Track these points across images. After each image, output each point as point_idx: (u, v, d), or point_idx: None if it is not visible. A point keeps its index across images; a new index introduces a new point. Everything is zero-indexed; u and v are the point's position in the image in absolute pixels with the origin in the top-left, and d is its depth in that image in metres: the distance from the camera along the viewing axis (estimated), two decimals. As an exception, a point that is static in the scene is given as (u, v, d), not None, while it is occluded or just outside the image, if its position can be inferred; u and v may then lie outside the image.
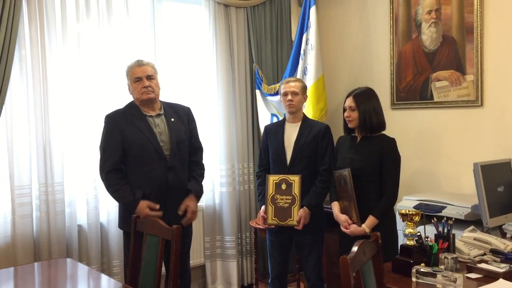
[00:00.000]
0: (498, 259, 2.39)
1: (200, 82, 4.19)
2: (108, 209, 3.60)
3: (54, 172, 3.35)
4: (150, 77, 3.02)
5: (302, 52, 4.08)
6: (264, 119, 4.22)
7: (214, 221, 4.17)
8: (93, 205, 3.52)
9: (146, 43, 3.85)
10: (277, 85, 4.17)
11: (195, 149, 3.21)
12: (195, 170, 3.18)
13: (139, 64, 3.05)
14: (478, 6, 3.53)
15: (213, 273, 4.20)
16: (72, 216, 3.46)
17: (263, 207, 3.19)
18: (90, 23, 3.53)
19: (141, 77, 3.00)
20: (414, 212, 2.39)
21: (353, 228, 2.84)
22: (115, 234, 3.59)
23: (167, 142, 3.02)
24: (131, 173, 2.99)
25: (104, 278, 2.55)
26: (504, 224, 2.90)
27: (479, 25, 3.53)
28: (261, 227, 3.78)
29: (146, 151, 2.95)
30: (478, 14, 3.53)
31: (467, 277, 2.22)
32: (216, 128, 4.13)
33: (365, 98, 2.92)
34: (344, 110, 2.98)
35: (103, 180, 3.01)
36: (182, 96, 3.94)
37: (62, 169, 3.40)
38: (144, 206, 2.90)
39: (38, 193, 3.32)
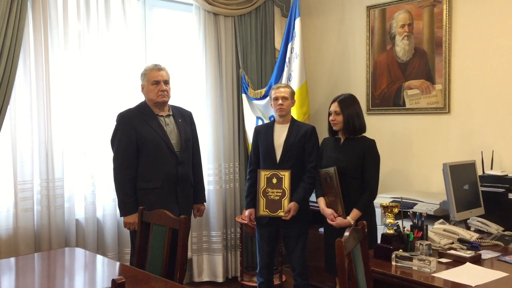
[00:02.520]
0: (465, 247, 2.70)
1: (189, 86, 4.40)
2: (104, 205, 3.80)
3: (55, 169, 3.52)
4: (166, 82, 3.28)
5: (287, 60, 4.36)
6: (250, 122, 4.48)
7: (201, 217, 4.37)
8: (90, 201, 3.71)
9: (137, 48, 4.03)
10: (263, 90, 4.44)
11: (197, 150, 3.51)
12: (200, 174, 3.54)
13: (158, 68, 3.29)
14: (447, 22, 3.88)
15: (200, 266, 4.41)
16: (71, 210, 3.64)
17: (248, 211, 3.47)
18: (90, 28, 3.72)
19: (159, 81, 3.25)
20: (393, 205, 2.70)
21: (339, 220, 3.13)
22: (111, 228, 3.79)
23: (177, 140, 3.29)
24: (144, 167, 3.21)
25: (111, 262, 2.78)
26: (469, 218, 3.21)
27: (447, 39, 3.89)
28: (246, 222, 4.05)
29: (158, 147, 3.20)
30: (447, 29, 3.89)
31: (439, 261, 2.53)
32: (204, 129, 4.34)
33: (349, 103, 3.22)
34: (330, 114, 3.26)
35: (116, 172, 3.22)
36: (172, 99, 4.15)
37: (62, 166, 3.57)
38: (136, 217, 3.07)
39: (40, 188, 3.48)
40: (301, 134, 3.39)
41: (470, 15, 3.79)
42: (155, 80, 3.25)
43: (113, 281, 1.57)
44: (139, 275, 2.41)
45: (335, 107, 3.23)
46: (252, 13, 4.61)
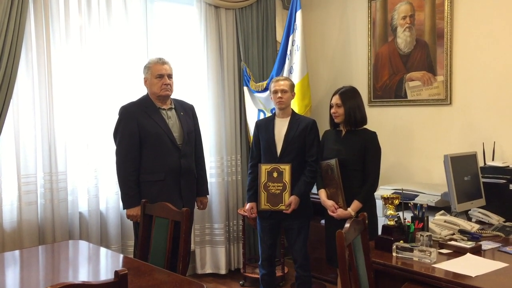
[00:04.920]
0: (466, 238, 2.71)
1: (191, 79, 4.40)
2: (107, 198, 3.82)
3: (58, 162, 3.54)
4: (170, 76, 3.31)
5: (288, 52, 4.36)
6: (252, 115, 4.49)
7: (204, 210, 4.40)
8: (93, 194, 3.73)
9: (139, 41, 4.03)
10: (264, 82, 4.45)
11: (199, 143, 3.54)
12: (202, 167, 3.58)
13: (162, 62, 3.31)
14: (449, 14, 3.88)
15: (203, 258, 4.44)
16: (74, 203, 3.66)
17: (249, 204, 3.49)
18: (91, 21, 3.73)
19: (163, 74, 3.27)
20: (394, 196, 2.72)
21: (340, 212, 3.15)
22: (114, 221, 3.82)
23: (179, 133, 3.32)
24: (147, 160, 3.24)
25: (115, 254, 2.81)
26: (470, 209, 3.23)
27: (449, 31, 3.89)
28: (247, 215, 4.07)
29: (161, 140, 3.23)
30: (448, 21, 3.88)
31: (439, 252, 2.55)
32: (206, 122, 4.35)
33: (350, 95, 3.23)
34: (331, 106, 3.27)
35: (119, 165, 3.25)
36: (174, 92, 4.15)
37: (65, 159, 3.60)
38: (139, 210, 3.04)
39: (43, 182, 3.51)
40: (301, 128, 3.40)
41: (471, 6, 3.79)
42: (159, 74, 3.27)
43: (116, 272, 1.59)
44: (142, 267, 2.43)
45: (336, 99, 3.23)
46: (253, 6, 4.61)
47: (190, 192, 3.40)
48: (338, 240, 2.03)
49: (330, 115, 3.30)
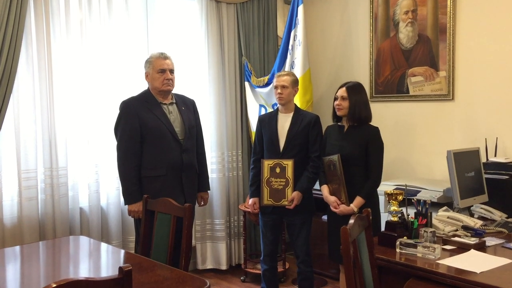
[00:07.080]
0: (469, 234, 2.70)
1: (192, 74, 4.38)
2: (108, 193, 3.81)
3: (58, 158, 3.53)
4: (171, 71, 3.29)
5: (290, 47, 4.34)
6: (253, 110, 4.47)
7: (205, 205, 4.39)
8: (94, 189, 3.72)
9: (139, 36, 4.01)
10: (266, 77, 4.42)
11: (200, 138, 3.52)
12: (203, 162, 3.55)
13: (164, 57, 3.29)
14: (451, 8, 3.85)
15: (203, 254, 4.43)
16: (75, 199, 3.65)
17: (251, 200, 3.46)
18: (92, 16, 3.70)
19: (165, 69, 3.24)
20: (398, 192, 2.70)
21: (342, 208, 3.14)
22: (115, 216, 3.81)
23: (180, 128, 3.30)
24: (149, 155, 3.22)
25: (116, 250, 2.79)
26: (472, 205, 3.22)
27: (451, 26, 3.86)
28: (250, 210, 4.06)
29: (163, 135, 3.21)
30: (451, 16, 3.86)
31: (443, 248, 2.53)
32: (207, 118, 4.33)
33: (356, 90, 3.21)
34: (335, 99, 3.25)
35: (120, 160, 3.22)
36: (175, 87, 4.13)
37: (66, 154, 3.58)
38: (140, 206, 3.02)
39: (44, 177, 3.49)
40: (304, 123, 3.38)
41: (474, 1, 3.76)
42: (161, 69, 3.25)
43: (120, 269, 1.57)
44: (144, 263, 2.41)
45: (342, 92, 3.21)
46: (254, 1, 4.58)
47: (192, 187, 3.38)
48: (343, 236, 2.01)
49: (334, 108, 3.27)
